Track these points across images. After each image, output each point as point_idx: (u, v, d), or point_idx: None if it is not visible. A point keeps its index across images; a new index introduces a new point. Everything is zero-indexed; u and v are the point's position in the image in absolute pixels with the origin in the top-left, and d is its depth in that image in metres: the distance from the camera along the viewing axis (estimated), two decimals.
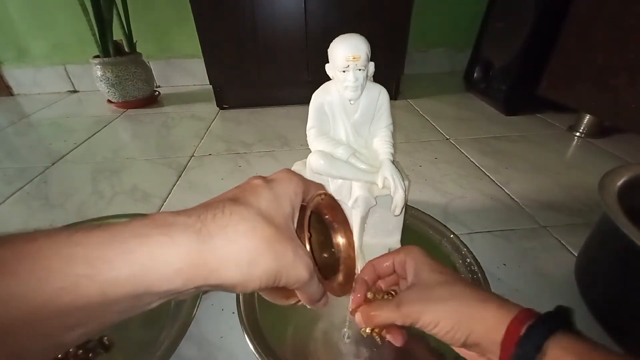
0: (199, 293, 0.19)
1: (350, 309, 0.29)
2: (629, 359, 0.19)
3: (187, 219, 0.17)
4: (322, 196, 0.24)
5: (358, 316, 0.27)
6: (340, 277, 0.26)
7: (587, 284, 0.42)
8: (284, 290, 0.22)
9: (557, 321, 0.20)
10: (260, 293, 0.23)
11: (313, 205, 0.22)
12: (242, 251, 0.17)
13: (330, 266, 0.26)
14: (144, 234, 0.15)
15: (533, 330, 0.20)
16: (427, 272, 0.26)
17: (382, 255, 0.30)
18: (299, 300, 0.23)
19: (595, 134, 0.84)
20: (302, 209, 0.22)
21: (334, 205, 0.26)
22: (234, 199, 0.19)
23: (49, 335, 0.14)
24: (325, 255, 0.27)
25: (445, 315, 0.23)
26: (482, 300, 0.23)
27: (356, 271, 0.42)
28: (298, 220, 0.21)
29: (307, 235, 0.21)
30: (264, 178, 0.22)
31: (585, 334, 0.20)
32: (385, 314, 0.25)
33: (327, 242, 0.27)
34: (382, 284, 0.31)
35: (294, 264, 0.19)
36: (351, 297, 0.28)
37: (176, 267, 0.15)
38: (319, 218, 0.26)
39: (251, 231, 0.17)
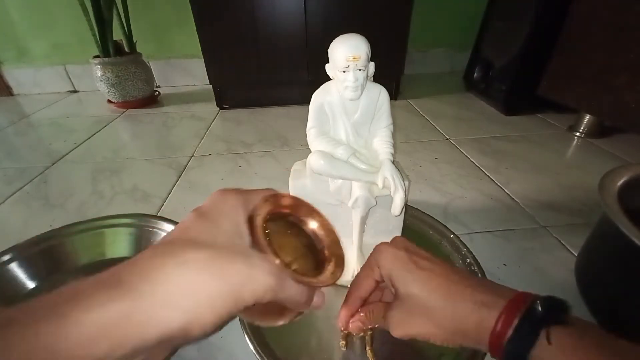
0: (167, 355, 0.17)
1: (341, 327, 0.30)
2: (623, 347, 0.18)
3: (98, 277, 0.15)
4: (270, 199, 0.22)
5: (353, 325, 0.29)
6: (330, 265, 0.25)
7: (587, 284, 0.42)
8: (268, 309, 0.21)
9: (542, 322, 0.19)
10: (248, 319, 0.21)
11: (261, 210, 0.21)
12: (175, 289, 0.15)
13: (321, 259, 0.25)
14: (43, 316, 0.13)
15: (514, 343, 0.20)
16: (403, 278, 0.25)
17: (361, 279, 0.29)
18: (299, 313, 0.23)
19: (595, 134, 0.84)
20: (251, 219, 0.20)
21: (292, 201, 0.24)
22: (156, 244, 0.17)
23: None
24: (310, 251, 0.26)
25: (432, 331, 0.24)
26: (461, 300, 0.23)
27: (356, 271, 0.42)
28: (250, 231, 0.20)
29: (264, 242, 0.19)
30: (196, 211, 0.20)
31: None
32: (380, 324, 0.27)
33: (304, 238, 0.26)
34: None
35: (251, 277, 0.17)
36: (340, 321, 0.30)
37: (87, 334, 0.13)
38: (282, 220, 0.25)
39: (181, 264, 0.15)
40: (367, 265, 0.29)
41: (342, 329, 0.30)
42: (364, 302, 0.30)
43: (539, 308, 0.20)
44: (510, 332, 0.20)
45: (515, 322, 0.20)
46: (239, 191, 0.21)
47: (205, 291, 0.15)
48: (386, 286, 0.29)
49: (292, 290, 0.19)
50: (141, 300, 0.14)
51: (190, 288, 0.15)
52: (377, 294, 0.30)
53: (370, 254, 0.29)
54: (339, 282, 0.45)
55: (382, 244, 0.28)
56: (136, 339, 0.14)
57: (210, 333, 0.16)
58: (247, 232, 0.19)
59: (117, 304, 0.14)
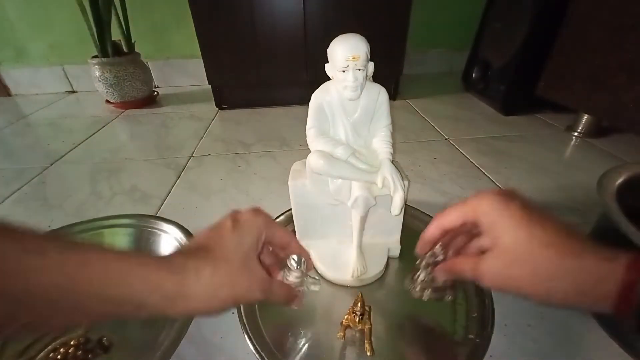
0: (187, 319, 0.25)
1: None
2: None
3: (160, 261, 0.23)
4: None
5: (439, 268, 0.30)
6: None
7: None
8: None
9: None
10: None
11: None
12: (202, 287, 0.23)
13: None
14: (155, 275, 0.21)
15: None
16: (512, 230, 0.24)
17: (451, 210, 0.28)
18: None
19: (593, 134, 0.85)
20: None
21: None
22: (205, 247, 0.25)
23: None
24: None
25: (536, 287, 0.23)
26: (580, 256, 0.22)
27: (356, 270, 0.42)
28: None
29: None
30: (234, 220, 0.27)
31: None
32: (468, 276, 0.27)
33: None
34: (453, 243, 0.31)
35: (249, 291, 0.25)
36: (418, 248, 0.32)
37: (163, 294, 0.21)
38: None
39: (211, 273, 0.23)
40: (464, 204, 0.27)
41: (419, 251, 0.32)
42: (444, 234, 0.30)
43: None
44: None
45: None
46: (267, 217, 0.29)
47: (219, 294, 0.24)
48: (465, 231, 0.29)
49: (276, 297, 0.28)
50: (182, 287, 0.22)
51: (211, 289, 0.23)
52: (449, 238, 0.30)
53: (472, 197, 0.27)
54: (338, 282, 0.46)
55: (489, 192, 0.27)
56: (182, 306, 0.22)
57: (211, 317, 0.25)
58: (259, 248, 0.28)
59: (172, 283, 0.22)
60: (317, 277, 0.38)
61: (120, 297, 0.20)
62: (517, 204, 0.25)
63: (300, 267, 0.31)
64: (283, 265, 0.33)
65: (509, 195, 0.26)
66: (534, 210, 0.25)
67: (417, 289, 0.34)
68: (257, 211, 0.29)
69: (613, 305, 0.20)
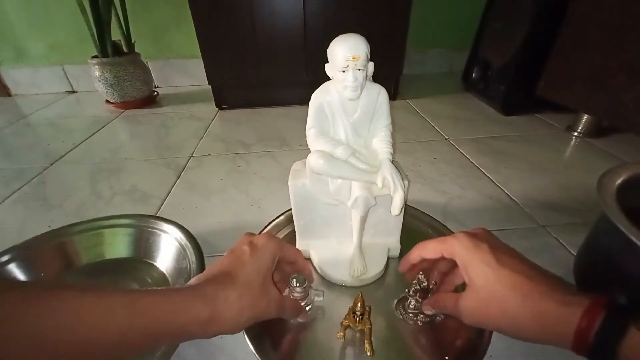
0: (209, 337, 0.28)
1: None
2: None
3: (192, 291, 0.26)
4: None
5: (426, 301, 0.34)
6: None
7: (586, 283, 0.42)
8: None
9: (629, 313, 0.21)
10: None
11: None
12: (230, 309, 0.27)
13: None
14: (189, 300, 0.25)
15: (602, 335, 0.21)
16: (482, 272, 0.27)
17: (430, 243, 0.33)
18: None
19: (593, 134, 0.85)
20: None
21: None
22: (229, 274, 0.28)
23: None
24: None
25: (506, 324, 0.25)
26: (542, 299, 0.24)
27: (356, 270, 0.43)
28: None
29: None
30: (252, 245, 0.31)
31: None
32: (449, 312, 0.31)
33: None
34: (436, 272, 0.36)
35: (267, 309, 0.30)
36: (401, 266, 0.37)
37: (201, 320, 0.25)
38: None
39: (238, 298, 0.27)
40: (443, 241, 0.31)
41: (401, 269, 0.37)
42: (422, 262, 0.34)
43: (623, 302, 0.21)
44: (597, 325, 0.21)
45: (602, 316, 0.21)
46: (280, 241, 0.34)
47: (243, 316, 0.27)
48: (446, 263, 0.33)
49: (288, 313, 0.33)
50: (215, 314, 0.26)
51: (237, 313, 0.27)
52: (429, 265, 0.35)
53: (450, 237, 0.31)
54: (338, 282, 0.46)
55: (463, 233, 0.30)
56: (216, 328, 0.26)
57: (235, 333, 0.28)
58: (273, 269, 0.32)
59: (206, 311, 0.25)
60: (320, 289, 0.40)
61: (169, 331, 0.24)
62: (486, 247, 0.28)
63: (304, 284, 0.35)
64: (289, 280, 0.36)
65: (480, 238, 0.29)
66: (502, 252, 0.28)
67: (410, 315, 0.37)
68: (270, 236, 0.33)
69: (571, 346, 0.22)
